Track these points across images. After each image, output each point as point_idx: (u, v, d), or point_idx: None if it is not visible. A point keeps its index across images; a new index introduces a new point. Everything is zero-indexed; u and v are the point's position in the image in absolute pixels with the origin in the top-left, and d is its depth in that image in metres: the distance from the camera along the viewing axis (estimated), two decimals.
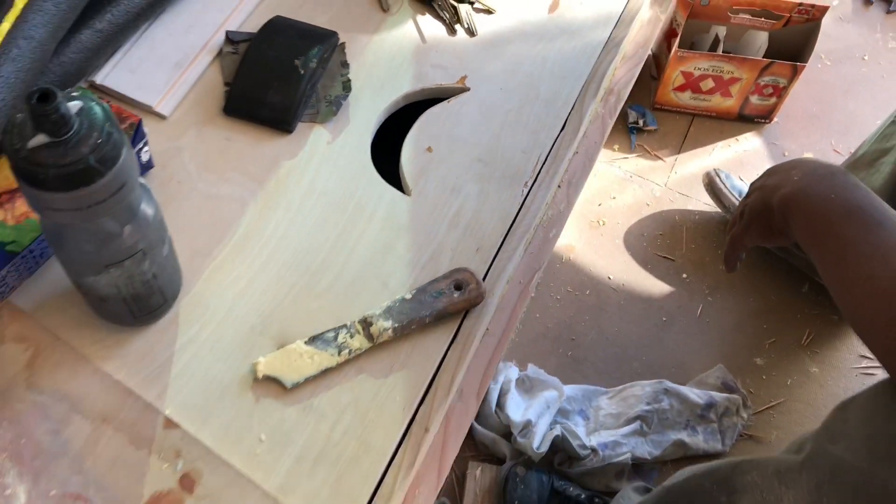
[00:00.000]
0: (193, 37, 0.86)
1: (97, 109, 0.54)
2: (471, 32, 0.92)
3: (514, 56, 0.91)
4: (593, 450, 1.12)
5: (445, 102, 0.87)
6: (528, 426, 1.13)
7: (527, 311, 1.29)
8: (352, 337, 0.71)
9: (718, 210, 1.38)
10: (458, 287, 0.74)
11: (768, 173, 0.83)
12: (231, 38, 0.86)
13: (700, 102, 1.49)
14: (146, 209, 0.62)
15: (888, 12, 1.70)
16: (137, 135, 0.74)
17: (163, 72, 0.84)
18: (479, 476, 1.12)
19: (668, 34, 1.48)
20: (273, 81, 0.82)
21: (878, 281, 0.60)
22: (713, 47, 1.46)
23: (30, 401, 0.66)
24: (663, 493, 0.85)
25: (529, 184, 0.82)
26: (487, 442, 1.15)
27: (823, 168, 0.72)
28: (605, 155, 1.47)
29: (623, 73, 0.96)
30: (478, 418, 1.17)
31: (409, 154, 0.83)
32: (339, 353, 0.70)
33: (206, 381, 0.69)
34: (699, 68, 1.41)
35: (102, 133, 0.53)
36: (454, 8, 0.92)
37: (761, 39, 1.43)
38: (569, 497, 1.08)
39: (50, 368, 0.68)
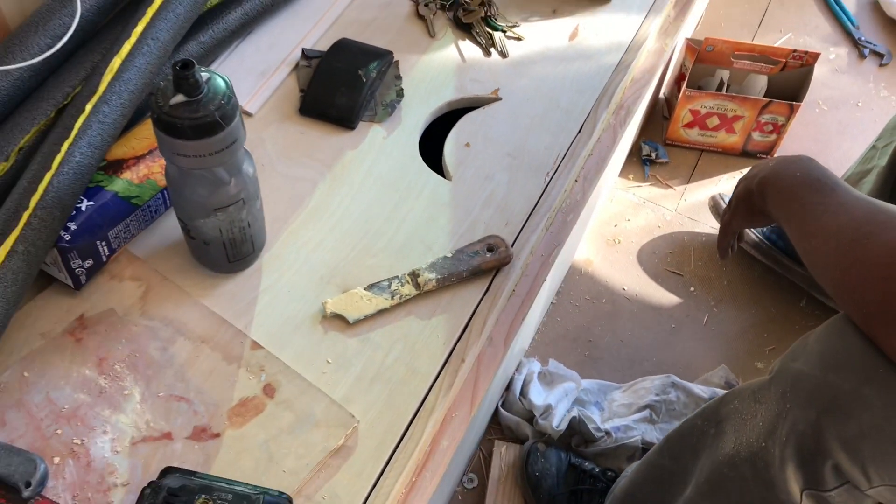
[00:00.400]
0: (275, 52, 1.04)
1: (220, 80, 0.71)
2: (503, 55, 1.09)
3: (538, 74, 1.08)
4: (607, 432, 1.25)
5: (481, 108, 1.04)
6: (548, 409, 1.26)
7: (549, 315, 1.43)
8: (402, 285, 0.86)
9: None
10: (491, 249, 0.89)
11: (751, 169, 0.98)
12: (306, 54, 1.05)
13: (707, 138, 1.65)
14: (247, 167, 0.78)
15: (880, 65, 1.87)
16: None
17: (251, 79, 1.01)
18: (504, 453, 1.25)
19: (678, 78, 1.65)
20: (340, 87, 1.00)
21: (828, 228, 0.74)
22: (718, 89, 1.64)
23: (143, 325, 0.82)
24: (664, 442, 0.98)
25: (550, 174, 0.98)
26: (512, 425, 1.28)
27: (793, 156, 0.88)
28: (620, 183, 1.63)
29: (632, 93, 1.13)
30: (503, 404, 1.30)
31: (451, 148, 0.99)
32: (392, 298, 0.85)
33: (284, 316, 0.84)
34: (706, 106, 1.58)
35: (224, 97, 0.70)
36: (490, 34, 1.10)
37: (762, 82, 1.60)
38: (584, 471, 1.20)
39: (159, 301, 0.84)
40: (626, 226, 1.57)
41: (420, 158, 0.98)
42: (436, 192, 0.95)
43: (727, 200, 1.48)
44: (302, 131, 0.99)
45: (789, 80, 1.60)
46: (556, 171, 0.99)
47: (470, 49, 1.10)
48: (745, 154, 1.68)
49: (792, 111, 1.57)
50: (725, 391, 1.37)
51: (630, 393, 1.33)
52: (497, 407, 1.29)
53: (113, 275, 0.85)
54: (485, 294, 0.88)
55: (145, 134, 0.85)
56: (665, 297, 1.48)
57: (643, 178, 1.64)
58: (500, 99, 1.05)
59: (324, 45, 1.06)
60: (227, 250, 0.83)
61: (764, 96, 1.61)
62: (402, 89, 1.03)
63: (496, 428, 1.30)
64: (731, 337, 1.44)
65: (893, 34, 1.95)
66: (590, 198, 1.02)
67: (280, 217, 0.91)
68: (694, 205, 1.61)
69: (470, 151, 0.99)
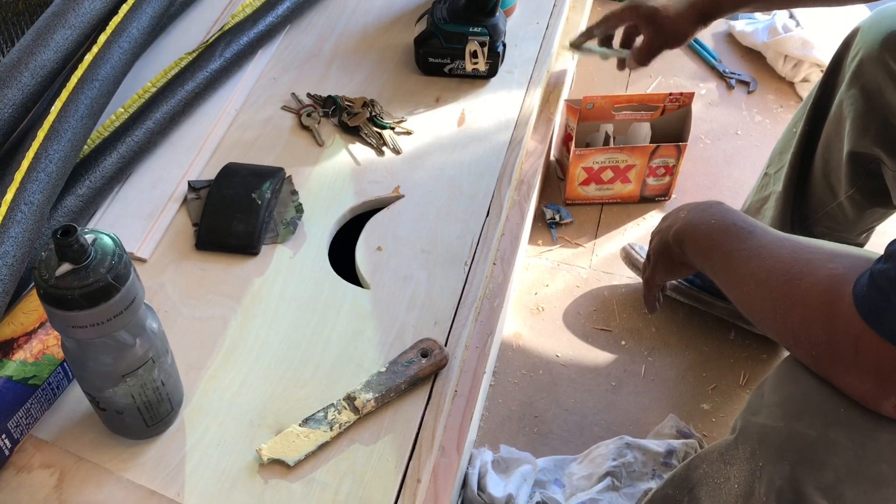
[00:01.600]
0: (160, 190, 0.99)
1: (107, 239, 0.66)
2: (396, 151, 1.07)
3: (435, 164, 1.06)
4: None
5: (386, 210, 1.01)
6: (510, 500, 1.21)
7: (490, 399, 1.39)
8: (339, 413, 0.81)
9: (639, 279, 1.53)
10: (425, 354, 0.85)
11: (663, 220, 0.98)
12: (193, 186, 1.00)
13: (605, 192, 1.67)
14: (151, 323, 0.72)
15: (748, 93, 1.95)
16: None
17: (138, 222, 0.96)
18: None
19: (566, 139, 1.67)
20: (235, 214, 0.95)
21: (757, 274, 0.74)
22: (605, 142, 1.67)
23: None
24: None
25: (468, 263, 0.96)
26: None
27: (703, 203, 0.88)
28: (532, 250, 1.62)
29: (529, 166, 1.12)
30: (463, 503, 1.24)
31: (363, 254, 0.96)
32: (332, 429, 0.80)
33: (218, 473, 0.77)
34: (597, 162, 1.60)
35: (114, 256, 0.65)
36: (379, 133, 1.08)
37: (645, 130, 1.64)
38: None
39: (78, 486, 0.76)
40: (546, 291, 1.56)
41: (332, 272, 0.94)
42: (356, 304, 0.91)
43: (639, 250, 1.49)
44: (202, 267, 0.94)
45: (670, 121, 1.64)
46: (473, 259, 0.96)
47: (362, 151, 1.08)
48: (644, 200, 1.71)
49: (680, 152, 1.61)
50: (682, 441, 1.36)
51: (587, 463, 1.30)
52: None
53: (20, 467, 0.76)
54: (427, 402, 0.83)
55: (32, 306, 0.78)
56: (599, 356, 1.46)
57: (552, 241, 1.64)
58: (403, 196, 1.02)
59: (210, 174, 1.01)
60: (143, 415, 0.76)
61: (651, 142, 1.65)
62: (300, 204, 0.99)
63: None
64: (671, 384, 1.43)
65: (753, 61, 2.05)
66: (511, 278, 1.00)
67: (195, 364, 0.85)
68: (606, 259, 1.62)
69: (383, 255, 0.96)
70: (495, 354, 1.35)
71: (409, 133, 1.10)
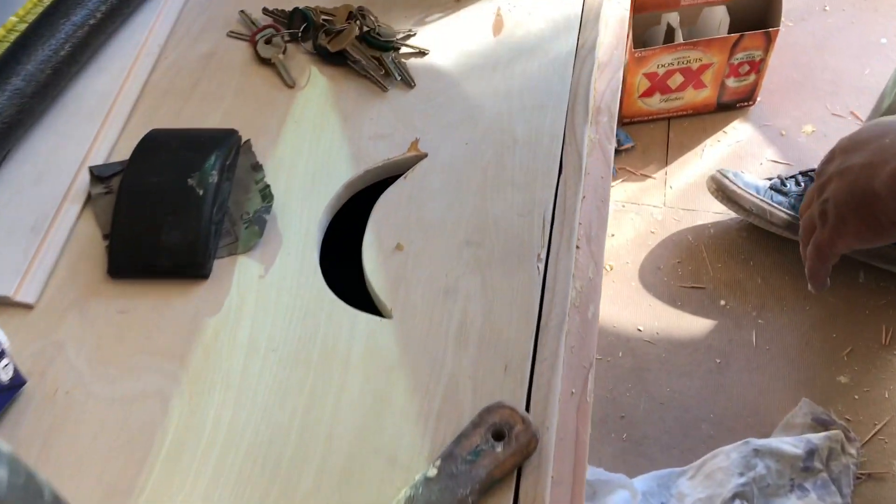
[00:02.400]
0: (48, 187, 0.63)
1: None
2: (407, 84, 0.70)
3: (469, 98, 0.69)
4: None
5: (402, 180, 0.64)
6: None
7: None
8: None
9: (734, 215, 1.18)
10: (499, 435, 0.50)
11: (843, 150, 0.62)
12: (98, 175, 0.64)
13: (672, 103, 1.30)
14: None
15: None
16: None
17: (16, 244, 0.60)
18: None
19: None
20: (165, 216, 0.59)
21: None
22: (668, 38, 1.28)
23: None
24: None
25: (543, 255, 0.60)
26: None
27: None
28: None
29: (605, 85, 0.75)
30: None
31: (374, 260, 0.60)
32: None
33: None
34: (662, 64, 1.22)
35: None
36: (378, 60, 0.71)
37: (720, 15, 1.25)
38: None
39: None
40: (612, 243, 1.20)
41: (331, 294, 0.59)
42: (374, 346, 0.56)
43: (735, 178, 1.13)
44: (122, 309, 0.58)
45: (751, 2, 1.25)
46: (549, 247, 0.61)
47: (355, 90, 0.71)
48: (721, 108, 1.34)
49: (770, 40, 1.22)
50: (824, 435, 1.02)
51: (702, 479, 0.97)
52: None
53: None
54: None
55: None
56: (693, 324, 1.11)
57: (611, 176, 1.28)
58: (425, 155, 0.66)
59: (126, 151, 0.65)
60: None
61: (728, 31, 1.26)
62: (267, 187, 0.63)
63: None
64: (793, 352, 1.09)
65: None
66: (602, 266, 0.64)
67: (118, 486, 0.51)
68: (684, 191, 1.26)
69: (406, 256, 0.60)
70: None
71: (422, 53, 0.72)
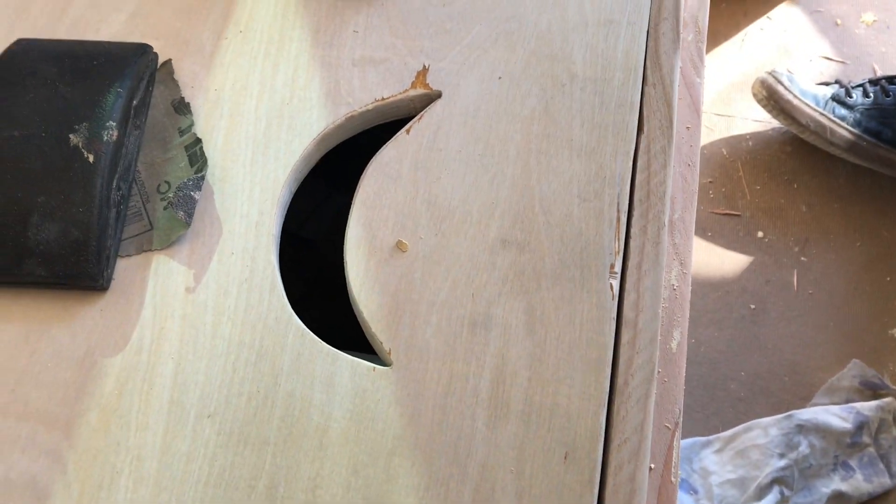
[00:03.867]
0: None
1: None
2: None
3: (503, 4, 0.47)
4: None
5: (403, 133, 0.43)
6: None
7: None
8: None
9: (777, 125, 0.98)
10: None
11: None
12: None
13: None
14: None
15: None
16: None
17: None
18: None
19: None
20: (34, 196, 0.38)
21: None
22: None
23: None
24: None
25: (619, 266, 0.40)
26: None
27: None
28: None
29: None
30: None
31: (363, 267, 0.39)
32: None
33: None
34: None
35: None
36: None
37: None
38: None
39: None
40: None
41: (297, 321, 0.39)
42: (363, 415, 0.37)
43: (789, 83, 0.92)
44: None
45: None
46: (626, 253, 0.41)
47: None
48: None
49: None
50: (876, 404, 0.88)
51: (732, 455, 0.82)
52: None
53: None
54: None
55: None
56: (725, 260, 0.94)
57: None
58: (440, 94, 0.44)
59: None
60: None
61: None
62: (198, 144, 0.41)
63: None
64: (839, 298, 0.92)
65: None
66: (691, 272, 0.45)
67: None
68: (719, 91, 1.05)
69: (411, 261, 0.40)
70: None
71: None
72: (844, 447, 0.82)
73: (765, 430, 0.81)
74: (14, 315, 0.38)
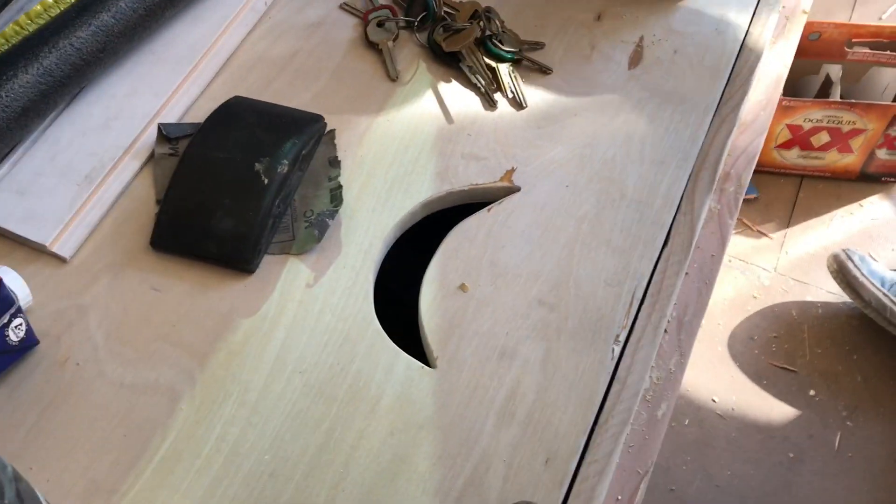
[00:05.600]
0: (114, 135, 0.59)
1: None
2: (518, 104, 0.63)
3: (583, 136, 0.61)
4: None
5: (485, 211, 0.58)
6: None
7: None
8: None
9: (849, 300, 1.06)
10: None
11: None
12: (167, 134, 0.59)
13: (811, 161, 1.18)
14: None
15: None
16: None
17: (65, 189, 0.56)
18: None
19: None
20: (223, 198, 0.54)
21: None
22: (823, 91, 1.16)
23: None
24: None
25: (622, 338, 0.53)
26: None
27: None
28: None
29: (741, 149, 0.66)
30: None
31: (432, 297, 0.54)
32: None
33: None
34: (810, 120, 1.11)
35: None
36: (493, 70, 0.64)
37: (888, 78, 1.12)
38: None
39: None
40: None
41: (377, 325, 0.53)
42: (408, 397, 0.50)
43: (860, 262, 1.01)
44: (156, 286, 0.54)
45: None
46: (631, 330, 0.53)
47: (460, 98, 0.64)
48: (863, 177, 1.21)
49: None
50: None
51: None
52: None
53: None
54: None
55: None
56: (774, 408, 1.02)
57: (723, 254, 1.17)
58: (519, 189, 0.59)
59: (205, 112, 0.60)
60: None
61: (893, 98, 1.13)
62: (339, 188, 0.57)
63: None
64: (878, 467, 0.98)
65: None
66: (687, 362, 0.57)
67: (102, 483, 0.47)
68: (800, 259, 1.14)
69: (468, 300, 0.54)
70: None
71: (544, 72, 0.65)
72: None
73: None
74: (187, 276, 0.54)
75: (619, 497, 0.50)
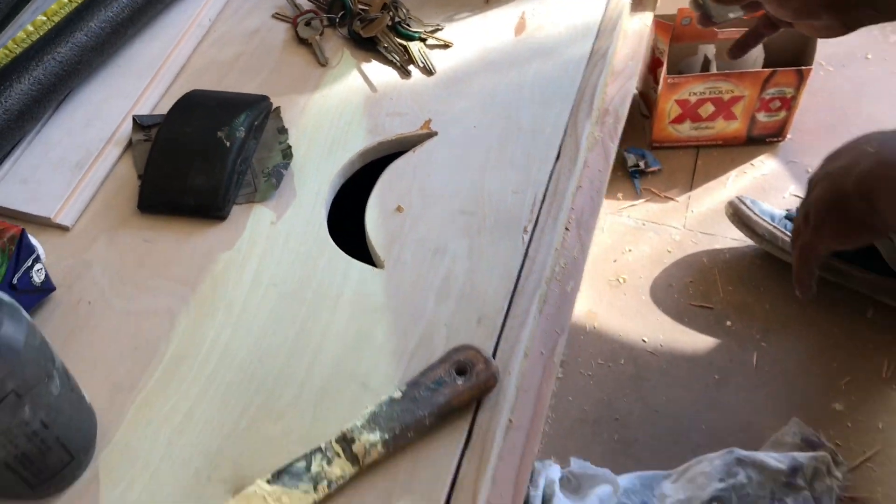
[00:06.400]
0: (95, 130, 0.71)
1: None
2: (428, 72, 0.77)
3: (483, 89, 0.75)
4: None
5: (410, 153, 0.71)
6: None
7: (557, 395, 1.10)
8: (330, 463, 0.52)
9: (751, 243, 1.21)
10: (462, 371, 0.55)
11: (830, 159, 0.66)
12: (140, 123, 0.71)
13: (702, 131, 1.34)
14: (12, 332, 0.44)
15: None
16: (22, 250, 0.58)
17: (61, 176, 0.68)
18: None
19: (653, 65, 1.34)
20: (194, 161, 0.66)
21: None
22: (705, 69, 1.33)
23: None
24: None
25: (530, 229, 0.65)
26: None
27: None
28: (610, 206, 1.31)
29: (616, 90, 0.81)
30: None
31: (376, 218, 0.66)
32: (316, 488, 0.51)
33: None
34: (694, 93, 1.27)
35: None
36: (404, 48, 0.78)
37: (756, 51, 1.30)
38: None
39: None
40: (628, 258, 1.25)
41: (331, 243, 0.65)
42: (363, 291, 0.62)
43: (752, 205, 1.17)
44: (147, 238, 0.66)
45: (788, 42, 1.30)
46: (536, 223, 0.66)
47: (380, 72, 0.77)
48: (751, 141, 1.37)
49: (801, 78, 1.26)
50: (810, 455, 1.04)
51: (684, 482, 1.00)
52: None
53: None
54: (465, 447, 0.54)
55: None
56: (697, 340, 1.15)
57: (635, 194, 1.33)
58: (436, 133, 0.72)
59: (167, 109, 0.73)
60: (18, 473, 0.49)
61: (764, 66, 1.31)
62: (289, 147, 0.70)
63: None
64: (792, 376, 1.11)
65: None
66: (589, 248, 0.70)
67: (122, 384, 0.58)
68: (705, 215, 1.29)
69: (405, 218, 0.66)
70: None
71: (446, 46, 0.79)
72: (780, 485, 0.98)
73: (710, 461, 0.99)
74: (172, 228, 0.66)
75: (543, 351, 0.62)
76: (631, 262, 1.24)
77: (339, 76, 0.77)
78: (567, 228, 0.69)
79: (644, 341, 1.15)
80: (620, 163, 1.34)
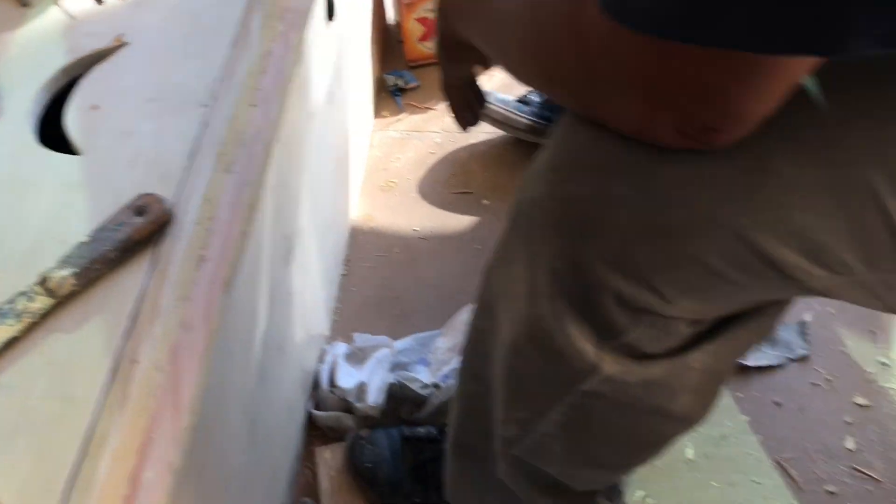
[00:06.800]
0: None
1: None
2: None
3: (169, 2, 0.87)
4: (436, 386, 1.05)
5: (104, 63, 0.82)
6: (361, 388, 1.05)
7: (342, 289, 1.22)
8: (31, 300, 0.63)
9: (504, 134, 1.37)
10: (140, 212, 0.67)
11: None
12: None
13: None
14: None
15: None
16: None
17: None
18: (329, 458, 1.03)
19: None
20: None
21: (507, 22, 0.57)
22: None
23: None
24: (460, 366, 0.78)
25: (208, 104, 0.77)
26: (332, 423, 1.07)
27: None
28: (378, 124, 1.44)
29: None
30: (316, 405, 1.09)
31: (75, 118, 0.77)
32: (20, 320, 0.62)
33: None
34: (429, 10, 1.42)
35: None
36: None
37: None
38: (420, 439, 1.00)
39: None
40: (398, 165, 1.39)
41: (38, 146, 0.75)
42: (63, 174, 0.73)
43: (496, 99, 1.32)
44: None
45: None
46: (215, 100, 0.78)
47: (78, 4, 0.88)
48: None
49: None
50: None
51: (452, 334, 1.14)
52: (308, 411, 1.07)
53: None
54: (153, 272, 0.66)
55: None
56: (460, 221, 1.30)
57: (398, 110, 1.46)
58: (126, 44, 0.83)
59: None
60: None
61: None
62: None
63: (317, 433, 1.08)
64: None
65: None
66: (287, 122, 0.82)
67: None
68: None
69: (100, 114, 0.77)
70: (342, 241, 1.17)
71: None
72: None
73: (468, 309, 1.14)
74: None
75: (231, 201, 0.74)
76: (400, 167, 1.38)
77: (39, 13, 0.87)
78: (256, 105, 0.81)
79: (415, 230, 1.29)
80: (382, 86, 1.48)
